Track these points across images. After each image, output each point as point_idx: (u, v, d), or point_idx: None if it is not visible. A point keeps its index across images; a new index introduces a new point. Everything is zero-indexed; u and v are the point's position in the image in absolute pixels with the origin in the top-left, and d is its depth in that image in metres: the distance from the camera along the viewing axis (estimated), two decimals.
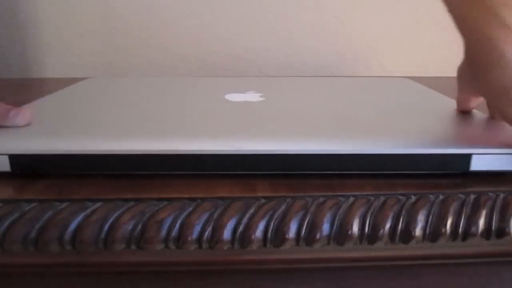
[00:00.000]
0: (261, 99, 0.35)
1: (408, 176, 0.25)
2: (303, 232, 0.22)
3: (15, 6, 0.63)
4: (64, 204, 0.22)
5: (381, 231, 0.23)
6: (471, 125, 0.30)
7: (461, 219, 0.23)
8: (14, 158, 0.24)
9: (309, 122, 0.29)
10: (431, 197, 0.24)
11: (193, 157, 0.24)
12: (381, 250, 0.24)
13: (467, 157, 0.25)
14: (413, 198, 0.24)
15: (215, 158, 0.24)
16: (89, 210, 0.22)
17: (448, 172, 0.25)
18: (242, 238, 0.22)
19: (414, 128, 0.28)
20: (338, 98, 0.37)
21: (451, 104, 0.35)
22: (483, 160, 0.25)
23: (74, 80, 0.51)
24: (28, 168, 0.24)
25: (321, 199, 0.23)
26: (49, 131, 0.27)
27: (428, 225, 0.23)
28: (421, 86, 0.44)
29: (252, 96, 0.36)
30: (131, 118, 0.30)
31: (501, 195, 0.24)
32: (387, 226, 0.23)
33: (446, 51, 0.70)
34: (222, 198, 0.23)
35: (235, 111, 0.32)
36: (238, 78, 0.50)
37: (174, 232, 0.22)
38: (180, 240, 0.22)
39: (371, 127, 0.28)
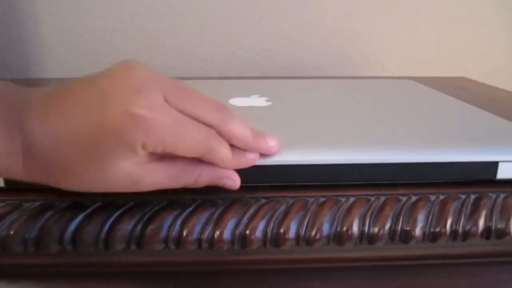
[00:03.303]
0: (268, 103, 0.35)
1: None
2: (303, 232, 0.22)
3: (15, 6, 0.63)
4: (64, 204, 0.22)
5: (381, 231, 0.23)
6: (493, 130, 0.29)
7: (461, 219, 0.23)
8: None
9: (324, 129, 0.28)
10: (431, 197, 0.24)
11: None
12: (381, 250, 0.24)
13: (494, 165, 0.24)
14: (413, 198, 0.24)
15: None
16: (89, 210, 0.22)
17: (473, 180, 0.25)
18: (242, 238, 0.22)
19: (432, 135, 0.27)
20: (347, 102, 0.36)
21: (463, 107, 0.35)
22: (511, 168, 0.24)
23: None
24: (24, 182, 0.22)
25: (321, 199, 0.23)
26: None
27: (428, 225, 0.23)
28: (427, 87, 0.44)
29: (258, 101, 0.36)
30: None
31: (501, 196, 0.24)
32: (387, 226, 0.23)
33: (446, 51, 0.70)
34: (222, 198, 0.23)
35: (244, 117, 0.31)
36: (240, 80, 0.49)
37: (174, 232, 0.22)
38: (180, 240, 0.22)
39: (389, 134, 0.27)
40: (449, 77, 0.64)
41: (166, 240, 0.22)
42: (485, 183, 0.25)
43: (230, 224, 0.22)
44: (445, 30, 0.69)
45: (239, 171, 0.23)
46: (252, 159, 0.22)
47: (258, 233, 0.22)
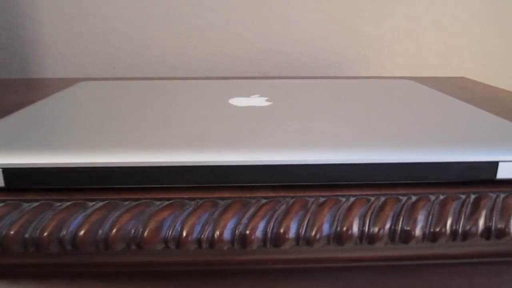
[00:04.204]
0: (268, 103, 0.35)
1: None
2: (303, 232, 0.22)
3: (15, 6, 0.63)
4: (64, 204, 0.22)
5: (381, 231, 0.23)
6: (493, 130, 0.29)
7: (461, 219, 0.23)
8: (8, 172, 0.23)
9: (324, 129, 0.28)
10: (431, 197, 0.24)
11: (207, 169, 0.23)
12: (381, 250, 0.24)
13: (494, 165, 0.24)
14: (413, 198, 0.24)
15: (230, 169, 0.23)
16: (89, 210, 0.22)
17: (473, 180, 0.25)
18: (242, 238, 0.22)
19: (432, 135, 0.27)
20: (347, 102, 0.36)
21: (463, 107, 0.34)
22: (511, 168, 0.24)
23: (74, 80, 0.51)
24: (24, 182, 0.23)
25: (321, 199, 0.23)
26: (44, 142, 0.25)
27: (428, 225, 0.23)
28: (427, 87, 0.44)
29: (258, 101, 0.36)
30: (128, 128, 0.28)
31: (501, 195, 0.24)
32: (387, 226, 0.23)
33: (446, 51, 0.70)
34: (222, 198, 0.23)
35: (244, 117, 0.31)
36: (240, 80, 0.49)
37: (174, 232, 0.22)
38: (180, 240, 0.22)
39: (389, 134, 0.27)
40: (449, 77, 0.64)
41: (166, 240, 0.22)
42: (485, 183, 0.25)
43: (230, 224, 0.22)
44: (445, 30, 0.69)
45: (240, 171, 0.23)
46: None
47: (258, 233, 0.22)
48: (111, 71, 0.67)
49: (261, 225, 0.22)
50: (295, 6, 0.66)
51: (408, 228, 0.23)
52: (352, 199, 0.23)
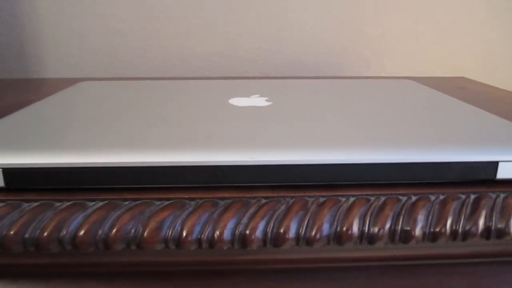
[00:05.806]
0: (268, 103, 0.35)
1: None
2: (303, 232, 0.22)
3: (15, 6, 0.63)
4: (64, 204, 0.22)
5: (381, 231, 0.23)
6: (493, 130, 0.28)
7: (461, 219, 0.23)
8: (9, 172, 0.23)
9: (324, 129, 0.28)
10: (431, 197, 0.24)
11: (207, 169, 0.23)
12: (381, 250, 0.24)
13: (494, 165, 0.24)
14: (413, 198, 0.24)
15: (230, 169, 0.23)
16: (89, 210, 0.22)
17: (473, 180, 0.25)
18: (242, 238, 0.22)
19: (432, 135, 0.27)
20: (347, 102, 0.37)
21: (463, 107, 0.35)
22: (511, 168, 0.24)
23: (74, 80, 0.51)
24: (24, 182, 0.23)
25: (321, 199, 0.23)
26: (44, 142, 0.25)
27: (428, 225, 0.23)
28: (427, 87, 0.44)
29: (258, 101, 0.36)
30: (128, 128, 0.28)
31: (501, 195, 0.24)
32: (387, 226, 0.23)
33: (446, 51, 0.70)
34: (222, 198, 0.23)
35: (244, 117, 0.31)
36: (240, 80, 0.49)
37: (174, 232, 0.22)
38: (180, 240, 0.22)
39: (389, 134, 0.27)
40: (449, 77, 0.64)
41: (166, 240, 0.22)
42: (485, 183, 0.25)
43: (230, 224, 0.22)
44: (445, 30, 0.69)
45: (240, 171, 0.23)
46: None
47: (258, 233, 0.22)
48: (111, 71, 0.67)
49: (261, 225, 0.22)
50: (295, 6, 0.66)
51: (408, 228, 0.23)
52: (352, 199, 0.23)
